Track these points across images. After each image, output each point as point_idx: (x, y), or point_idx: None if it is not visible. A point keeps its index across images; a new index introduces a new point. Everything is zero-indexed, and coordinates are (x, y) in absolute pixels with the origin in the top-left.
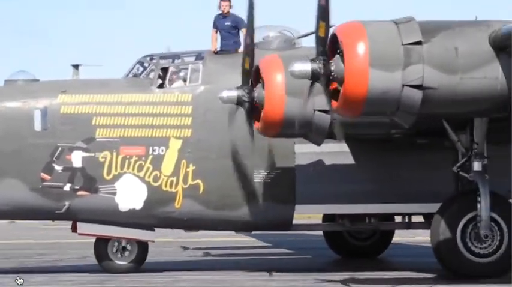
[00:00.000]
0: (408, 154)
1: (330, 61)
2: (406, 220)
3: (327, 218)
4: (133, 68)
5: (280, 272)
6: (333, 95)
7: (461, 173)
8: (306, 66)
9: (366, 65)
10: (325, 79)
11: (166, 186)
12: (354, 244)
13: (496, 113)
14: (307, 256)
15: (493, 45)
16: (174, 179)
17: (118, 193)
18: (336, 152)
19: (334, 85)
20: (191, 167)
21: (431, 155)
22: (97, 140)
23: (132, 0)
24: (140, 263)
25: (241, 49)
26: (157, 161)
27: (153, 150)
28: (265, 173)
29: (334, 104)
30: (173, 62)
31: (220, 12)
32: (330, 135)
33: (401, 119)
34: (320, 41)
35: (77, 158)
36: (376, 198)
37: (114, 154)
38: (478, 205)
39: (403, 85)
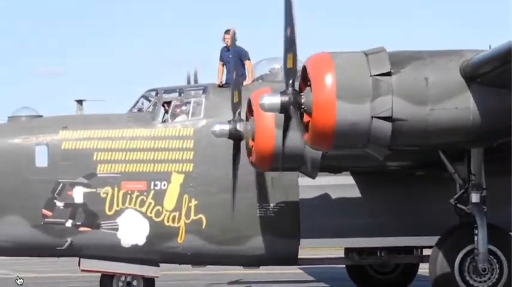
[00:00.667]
0: (411, 186)
1: (301, 93)
2: (418, 253)
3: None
4: (137, 102)
5: None
6: (306, 127)
7: (458, 205)
8: (276, 99)
9: (333, 97)
10: (295, 111)
11: (168, 221)
12: (378, 278)
13: (469, 144)
14: None
15: (463, 75)
16: (177, 214)
17: (120, 228)
18: (341, 185)
19: (308, 118)
20: (193, 202)
21: (435, 187)
22: (98, 175)
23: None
24: None
25: (245, 82)
26: (159, 196)
27: (155, 185)
28: (269, 207)
29: (306, 137)
30: (177, 95)
31: (224, 45)
32: (325, 168)
33: (374, 151)
34: (288, 72)
35: (78, 194)
36: (382, 231)
37: (116, 189)
38: (476, 238)
39: (372, 117)
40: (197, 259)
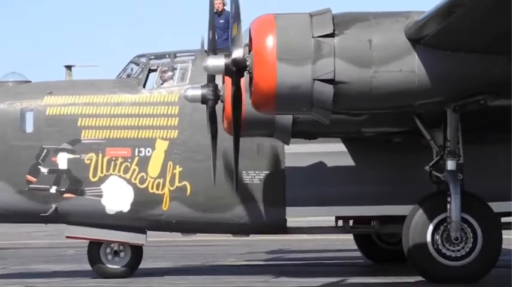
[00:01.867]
0: (400, 153)
1: (247, 56)
2: None
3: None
4: (126, 68)
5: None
6: None
7: (434, 172)
8: (220, 61)
9: (273, 58)
10: (237, 73)
11: (152, 188)
12: (385, 248)
13: (415, 109)
14: None
15: (408, 37)
16: (161, 181)
17: (104, 195)
18: (326, 152)
19: None
20: (178, 169)
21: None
22: (83, 141)
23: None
24: (134, 268)
25: None
26: (144, 163)
27: (139, 151)
28: (254, 175)
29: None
30: (167, 61)
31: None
32: (298, 134)
33: (319, 115)
34: (233, 39)
35: (62, 160)
36: (371, 200)
37: (100, 155)
38: (448, 206)
39: (314, 79)
40: (183, 226)
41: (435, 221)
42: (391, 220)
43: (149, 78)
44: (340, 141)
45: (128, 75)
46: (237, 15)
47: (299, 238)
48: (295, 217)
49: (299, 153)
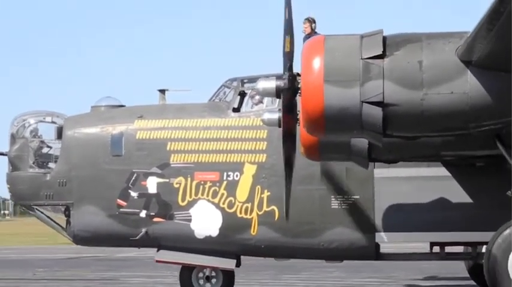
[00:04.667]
0: (489, 178)
1: (299, 78)
2: None
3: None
4: (218, 91)
5: None
6: None
7: None
8: (271, 84)
9: (320, 80)
10: (289, 95)
11: (241, 213)
12: None
13: (464, 130)
14: None
15: (460, 58)
16: (249, 205)
17: (193, 219)
18: (417, 177)
19: None
20: (266, 193)
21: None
22: (172, 165)
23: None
24: None
25: None
26: (232, 187)
27: (228, 175)
28: (343, 199)
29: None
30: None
31: (304, 34)
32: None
33: (370, 138)
34: (286, 56)
35: (152, 184)
36: (465, 225)
37: (189, 179)
38: None
39: (362, 102)
40: (272, 251)
41: None
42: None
43: (239, 101)
44: (428, 165)
45: (220, 99)
46: (289, 28)
47: None
48: (385, 243)
49: (388, 177)
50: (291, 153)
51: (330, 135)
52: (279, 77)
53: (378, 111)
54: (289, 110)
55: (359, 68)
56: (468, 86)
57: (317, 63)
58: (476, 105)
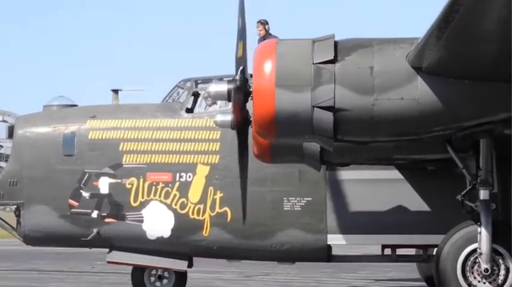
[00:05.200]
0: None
1: (251, 82)
2: None
3: None
4: (172, 92)
5: None
6: None
7: (466, 202)
8: (222, 87)
9: (272, 85)
10: (240, 99)
11: (193, 214)
12: None
13: (415, 136)
14: None
15: (410, 64)
16: (202, 206)
17: (145, 220)
18: (369, 179)
19: None
20: (219, 195)
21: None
22: (124, 166)
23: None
24: None
25: None
26: (184, 188)
27: (180, 176)
28: (296, 201)
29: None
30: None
31: (258, 37)
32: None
33: (322, 143)
34: (238, 60)
35: (104, 185)
36: (416, 228)
37: (141, 180)
38: (479, 237)
39: (313, 106)
40: (224, 253)
41: (465, 252)
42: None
43: (193, 102)
44: (381, 168)
45: (174, 100)
46: (242, 33)
47: None
48: (337, 245)
49: (340, 180)
50: (244, 156)
51: (281, 139)
52: (230, 81)
53: (328, 116)
54: (241, 113)
55: (310, 72)
56: (418, 92)
57: (268, 67)
58: (426, 111)
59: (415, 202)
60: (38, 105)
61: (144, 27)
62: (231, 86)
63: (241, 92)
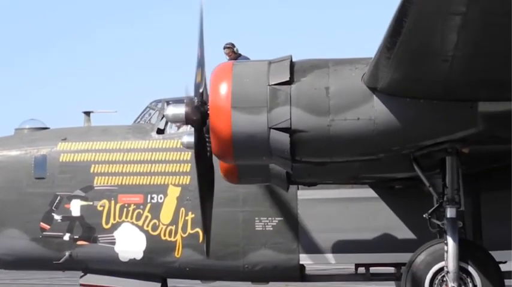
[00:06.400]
0: (413, 200)
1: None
2: None
3: None
4: (143, 113)
5: None
6: None
7: (432, 220)
8: (180, 110)
9: (227, 107)
10: (198, 121)
11: (165, 235)
12: None
13: (373, 155)
14: None
15: (366, 84)
16: (173, 228)
17: (117, 242)
18: (341, 198)
19: None
20: (190, 216)
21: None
22: (95, 188)
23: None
24: None
25: None
26: (156, 210)
27: (152, 198)
28: (267, 221)
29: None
30: None
31: (227, 59)
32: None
33: (280, 164)
34: (197, 86)
35: (75, 207)
36: (384, 247)
37: (113, 202)
38: (445, 255)
39: (270, 128)
40: (197, 274)
41: (433, 270)
42: None
43: (164, 123)
44: (352, 187)
45: (145, 121)
46: (201, 61)
47: None
48: (309, 264)
49: (312, 199)
50: (207, 179)
51: (239, 161)
52: (188, 103)
53: (285, 138)
54: (200, 135)
55: (266, 94)
56: (374, 112)
57: (224, 89)
58: (382, 131)
59: (388, 220)
60: (9, 128)
61: (115, 48)
62: (188, 108)
63: (198, 114)
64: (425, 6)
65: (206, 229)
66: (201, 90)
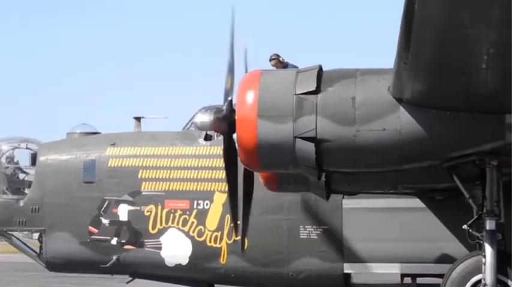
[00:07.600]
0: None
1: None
2: None
3: None
4: (192, 119)
5: None
6: None
7: (471, 231)
8: (207, 118)
9: (254, 115)
10: (226, 129)
11: (210, 241)
12: None
13: (398, 166)
14: None
15: (393, 95)
16: (219, 234)
17: (163, 247)
18: (386, 208)
19: None
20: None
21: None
22: (143, 193)
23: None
24: None
25: None
26: (202, 216)
27: (198, 204)
28: (312, 229)
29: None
30: None
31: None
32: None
33: (307, 173)
34: (226, 92)
35: (123, 212)
36: (430, 258)
37: (159, 207)
38: (483, 267)
39: (295, 137)
40: (241, 280)
41: (470, 282)
42: None
43: None
44: (397, 197)
45: (194, 127)
46: (231, 68)
47: None
48: (354, 273)
49: (356, 208)
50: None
51: (265, 169)
52: (216, 111)
53: (311, 147)
54: (229, 143)
55: (292, 103)
56: (400, 123)
57: (251, 98)
58: (407, 142)
59: (432, 231)
60: (63, 132)
61: (170, 54)
62: (216, 116)
63: (227, 122)
64: (438, 20)
65: (240, 228)
66: (230, 98)
